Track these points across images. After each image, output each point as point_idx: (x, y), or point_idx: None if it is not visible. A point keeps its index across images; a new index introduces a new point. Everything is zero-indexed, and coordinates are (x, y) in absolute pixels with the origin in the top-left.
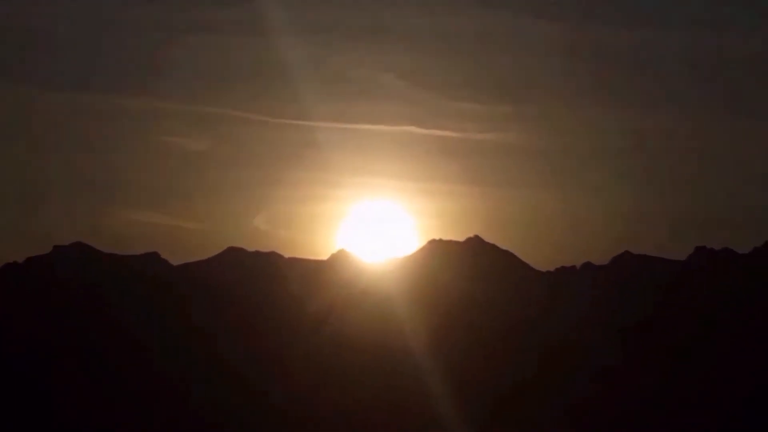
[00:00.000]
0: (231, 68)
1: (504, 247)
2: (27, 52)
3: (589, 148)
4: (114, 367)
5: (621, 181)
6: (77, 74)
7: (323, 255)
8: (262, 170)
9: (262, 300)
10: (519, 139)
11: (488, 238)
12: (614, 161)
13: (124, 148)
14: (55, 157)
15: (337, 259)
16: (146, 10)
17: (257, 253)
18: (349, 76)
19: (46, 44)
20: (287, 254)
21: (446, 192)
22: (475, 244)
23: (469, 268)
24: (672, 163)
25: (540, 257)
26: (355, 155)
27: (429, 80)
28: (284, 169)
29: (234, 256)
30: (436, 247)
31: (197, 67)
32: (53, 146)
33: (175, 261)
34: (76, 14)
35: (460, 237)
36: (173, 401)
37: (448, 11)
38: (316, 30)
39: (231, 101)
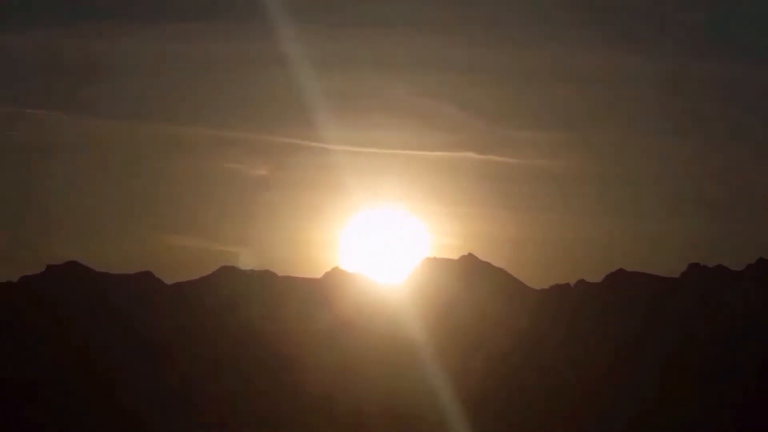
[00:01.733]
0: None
1: (498, 265)
2: (89, 83)
3: (602, 173)
4: (107, 387)
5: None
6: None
7: (318, 273)
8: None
9: (256, 320)
10: (545, 165)
11: (483, 256)
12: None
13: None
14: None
15: (332, 277)
16: (203, 44)
17: (251, 272)
18: (407, 105)
19: (106, 75)
20: (281, 273)
21: (444, 213)
22: (469, 261)
23: (463, 286)
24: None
25: (534, 275)
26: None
27: (486, 109)
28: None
29: (227, 275)
30: (431, 264)
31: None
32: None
33: (169, 280)
34: (137, 47)
35: (455, 255)
36: (166, 421)
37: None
38: (378, 62)
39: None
